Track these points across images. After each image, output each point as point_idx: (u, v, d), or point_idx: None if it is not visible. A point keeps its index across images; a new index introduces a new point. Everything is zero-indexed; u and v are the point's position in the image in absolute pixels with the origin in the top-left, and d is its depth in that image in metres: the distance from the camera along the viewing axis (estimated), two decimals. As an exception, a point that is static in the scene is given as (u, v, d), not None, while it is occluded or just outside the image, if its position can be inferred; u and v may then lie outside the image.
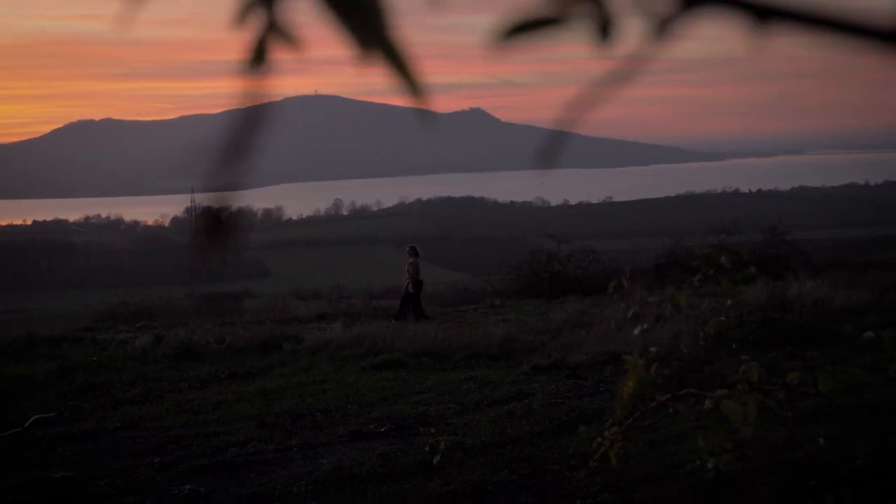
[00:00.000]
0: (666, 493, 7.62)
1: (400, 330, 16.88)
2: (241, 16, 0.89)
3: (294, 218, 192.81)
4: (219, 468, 9.34)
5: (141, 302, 28.55)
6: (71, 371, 15.12)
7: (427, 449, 9.21)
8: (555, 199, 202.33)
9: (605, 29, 0.92)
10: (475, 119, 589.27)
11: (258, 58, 0.90)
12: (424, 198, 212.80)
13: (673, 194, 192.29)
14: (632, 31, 0.93)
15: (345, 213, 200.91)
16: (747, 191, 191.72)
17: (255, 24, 0.90)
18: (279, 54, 0.91)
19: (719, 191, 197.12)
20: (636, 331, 2.21)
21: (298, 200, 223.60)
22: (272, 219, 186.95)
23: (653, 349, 2.19)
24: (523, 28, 0.91)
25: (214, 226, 0.94)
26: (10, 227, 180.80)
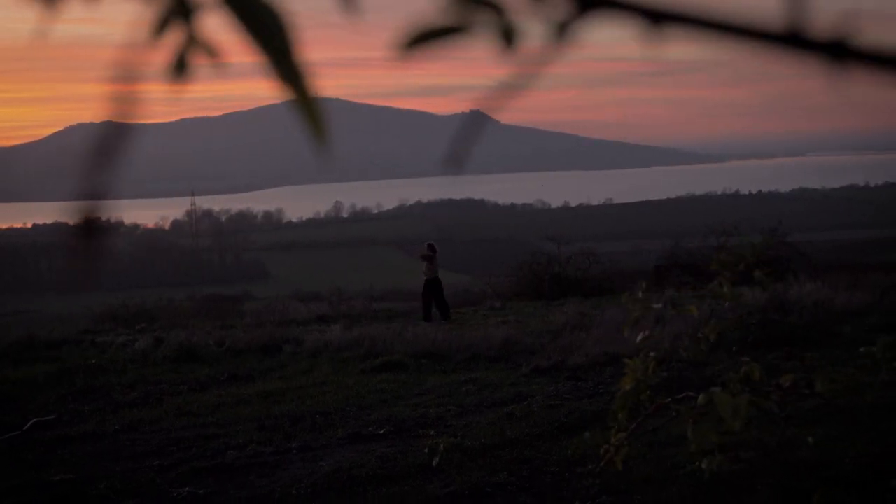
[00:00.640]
0: (665, 494, 7.61)
1: (399, 332, 16.88)
2: (159, 28, 0.92)
3: (294, 220, 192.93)
4: (218, 470, 9.34)
5: (141, 304, 28.54)
6: (71, 373, 15.12)
7: (426, 451, 9.21)
8: (555, 201, 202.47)
9: (507, 35, 0.94)
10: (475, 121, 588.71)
11: (179, 68, 0.93)
12: (425, 200, 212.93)
13: (673, 196, 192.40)
14: (534, 36, 0.94)
15: (345, 215, 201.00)
16: (747, 192, 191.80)
17: (175, 35, 0.93)
18: (200, 63, 0.94)
19: (719, 192, 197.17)
20: (638, 339, 2.21)
21: (299, 203, 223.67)
22: (272, 221, 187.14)
23: (652, 354, 2.19)
24: (427, 37, 0.92)
25: (84, 233, 0.96)
26: (11, 230, 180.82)
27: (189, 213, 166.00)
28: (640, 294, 2.18)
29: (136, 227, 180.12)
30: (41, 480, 9.20)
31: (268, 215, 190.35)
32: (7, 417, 12.29)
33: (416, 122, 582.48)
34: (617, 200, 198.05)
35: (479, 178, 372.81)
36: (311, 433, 10.75)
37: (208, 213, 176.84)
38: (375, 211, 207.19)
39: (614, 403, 2.23)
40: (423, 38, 0.92)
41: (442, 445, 9.22)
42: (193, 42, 0.93)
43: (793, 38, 0.88)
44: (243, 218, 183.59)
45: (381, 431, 10.64)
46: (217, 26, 0.93)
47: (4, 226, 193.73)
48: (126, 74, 0.92)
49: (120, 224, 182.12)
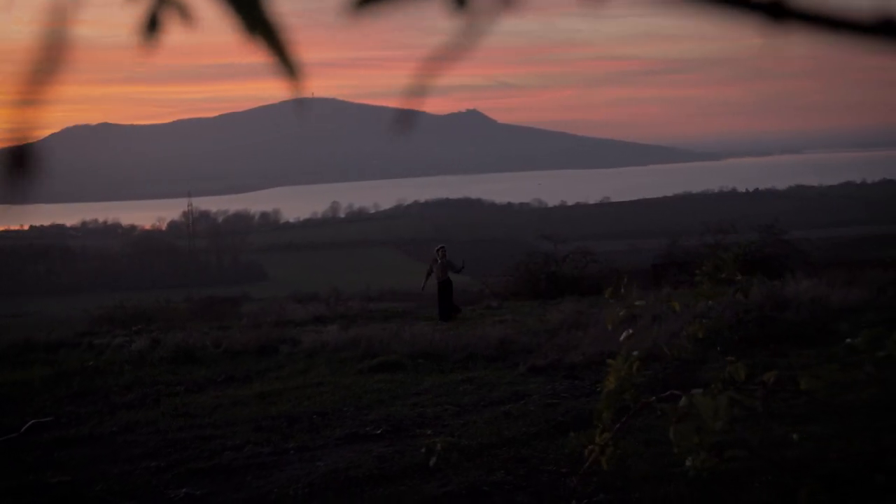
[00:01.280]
0: (662, 492, 7.62)
1: (396, 332, 16.89)
2: None
3: (291, 221, 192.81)
4: (215, 472, 9.34)
5: (138, 306, 28.51)
6: (68, 376, 15.11)
7: (423, 451, 9.20)
8: (552, 201, 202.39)
9: None
10: (472, 121, 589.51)
11: (151, 28, 0.93)
12: (422, 200, 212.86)
13: (670, 194, 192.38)
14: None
15: (342, 215, 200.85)
16: (744, 190, 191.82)
17: None
18: (172, 27, 0.95)
19: (716, 190, 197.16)
20: (621, 337, 2.21)
21: (295, 203, 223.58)
22: (269, 222, 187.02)
23: (635, 353, 2.19)
24: None
25: (15, 160, 0.98)
26: (8, 233, 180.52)
27: (186, 215, 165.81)
28: (622, 290, 2.18)
29: (132, 228, 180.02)
30: (38, 482, 9.20)
31: (265, 216, 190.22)
32: (4, 420, 12.27)
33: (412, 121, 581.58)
34: (614, 199, 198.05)
35: (476, 178, 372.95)
36: (309, 433, 10.74)
37: (205, 214, 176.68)
38: (372, 211, 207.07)
39: (599, 403, 2.23)
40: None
41: (439, 445, 9.21)
42: (167, 2, 0.94)
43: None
44: (240, 219, 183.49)
45: (379, 431, 10.64)
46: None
47: (1, 228, 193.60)
48: (145, 38, 0.93)
49: (117, 225, 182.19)
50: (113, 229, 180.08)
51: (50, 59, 0.94)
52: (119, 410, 12.71)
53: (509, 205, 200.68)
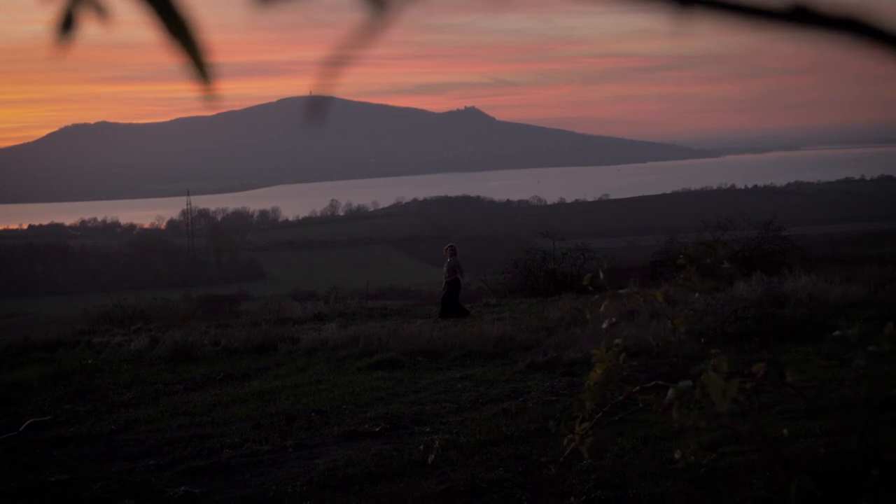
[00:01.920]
0: (660, 489, 7.63)
1: (395, 330, 16.89)
2: None
3: (290, 219, 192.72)
4: (214, 470, 9.34)
5: (136, 305, 28.47)
6: (66, 375, 15.11)
7: (422, 448, 9.22)
8: (551, 198, 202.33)
9: None
10: (470, 118, 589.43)
11: (66, 26, 0.94)
12: (421, 198, 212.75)
13: (669, 191, 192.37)
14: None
15: (341, 213, 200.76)
16: (743, 187, 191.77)
17: None
18: (89, 23, 0.96)
19: (715, 187, 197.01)
20: (604, 325, 2.21)
21: (294, 201, 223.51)
22: (268, 220, 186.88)
23: (618, 341, 2.18)
24: None
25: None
26: (7, 232, 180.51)
27: (185, 213, 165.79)
28: (601, 276, 2.18)
29: (131, 227, 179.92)
30: (37, 482, 9.20)
31: (264, 214, 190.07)
32: (2, 419, 12.28)
33: (411, 119, 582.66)
34: (612, 196, 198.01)
35: (475, 176, 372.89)
36: (307, 431, 10.75)
37: (204, 213, 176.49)
38: (371, 209, 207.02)
39: (582, 394, 2.23)
40: None
41: (437, 442, 9.23)
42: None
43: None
44: (239, 217, 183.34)
45: (377, 429, 10.64)
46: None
47: (0, 227, 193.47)
48: (60, 36, 0.93)
49: (116, 224, 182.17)
50: (112, 228, 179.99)
51: None
52: (118, 409, 12.71)
53: (508, 202, 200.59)
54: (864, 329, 2.17)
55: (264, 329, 18.31)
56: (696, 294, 2.08)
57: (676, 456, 2.14)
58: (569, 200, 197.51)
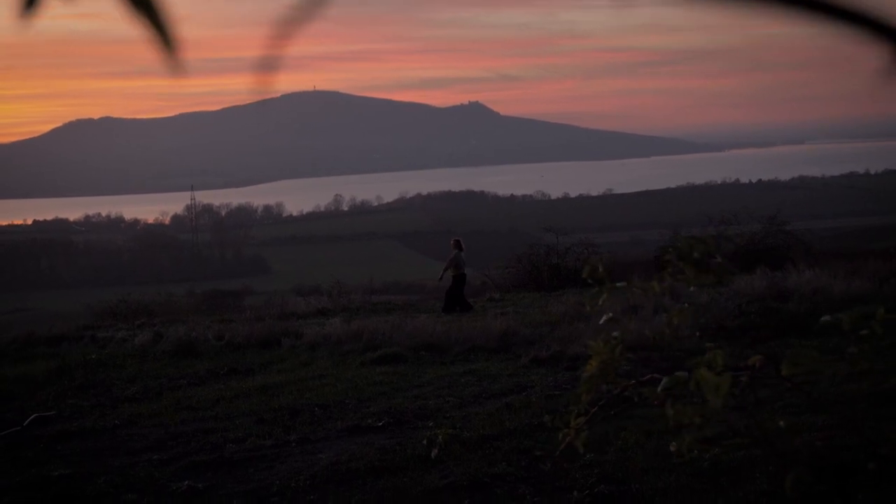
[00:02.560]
0: (663, 483, 7.62)
1: (398, 324, 16.89)
2: None
3: (294, 214, 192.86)
4: (217, 464, 9.35)
5: (140, 300, 28.54)
6: (70, 369, 15.14)
7: (425, 442, 9.22)
8: (555, 193, 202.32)
9: None
10: (474, 113, 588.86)
11: (29, 4, 0.94)
12: (425, 192, 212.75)
13: (673, 186, 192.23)
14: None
15: (345, 208, 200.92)
16: (747, 181, 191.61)
17: None
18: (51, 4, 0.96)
19: (719, 182, 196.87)
20: (601, 320, 2.21)
21: (299, 196, 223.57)
22: (272, 215, 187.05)
23: (615, 334, 2.18)
24: None
25: None
26: (11, 227, 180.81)
27: (189, 208, 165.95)
28: (600, 269, 2.17)
29: (136, 222, 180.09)
30: (41, 476, 9.21)
31: (268, 209, 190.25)
32: (7, 414, 12.31)
33: (415, 114, 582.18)
34: (617, 191, 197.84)
35: (479, 170, 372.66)
36: (311, 426, 10.76)
37: (208, 208, 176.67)
38: (375, 204, 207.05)
39: (579, 387, 2.23)
40: None
41: (441, 437, 9.23)
42: None
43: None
44: (243, 212, 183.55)
45: (380, 423, 10.65)
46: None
47: (4, 222, 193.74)
48: (24, 13, 0.94)
49: (120, 220, 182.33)
50: (116, 224, 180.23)
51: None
52: (122, 404, 12.73)
53: (512, 197, 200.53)
54: (856, 316, 2.16)
55: (268, 324, 18.33)
56: (691, 288, 2.07)
57: (672, 449, 2.14)
58: (573, 195, 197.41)
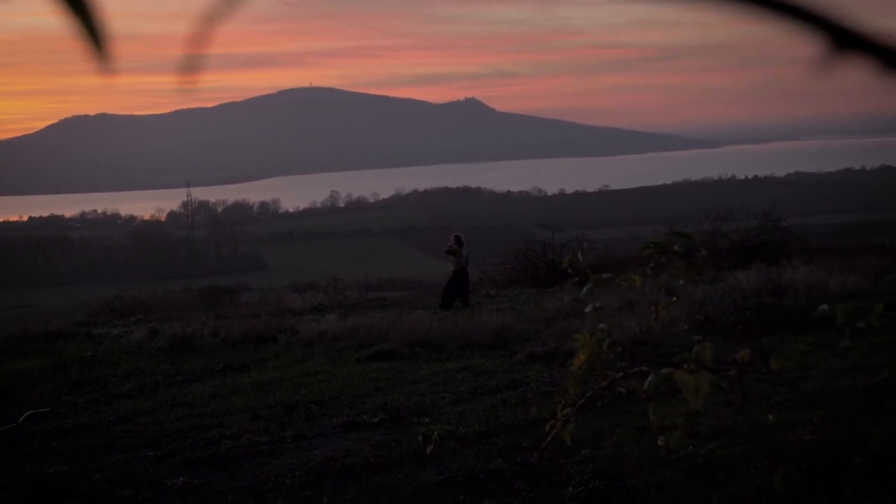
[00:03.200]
0: (658, 478, 7.63)
1: (394, 321, 16.89)
2: None
3: (291, 210, 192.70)
4: (212, 460, 9.35)
5: (136, 296, 28.51)
6: (65, 366, 15.13)
7: (420, 438, 9.21)
8: (551, 189, 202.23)
9: None
10: (470, 109, 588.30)
11: None
12: (421, 188, 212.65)
13: (669, 182, 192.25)
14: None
15: (341, 204, 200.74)
16: (743, 177, 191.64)
17: None
18: None
19: (715, 178, 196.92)
20: (587, 308, 2.20)
21: (295, 193, 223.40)
22: (269, 212, 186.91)
23: (602, 326, 2.18)
24: None
25: None
26: (7, 224, 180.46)
27: (185, 205, 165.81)
28: (580, 258, 2.17)
29: (132, 219, 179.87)
30: (36, 473, 9.21)
31: (264, 206, 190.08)
32: (2, 410, 12.29)
33: (411, 110, 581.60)
34: (613, 187, 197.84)
35: (475, 167, 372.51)
36: (306, 422, 10.76)
37: (204, 205, 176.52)
38: (371, 200, 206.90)
39: (566, 379, 2.23)
40: None
41: (436, 433, 9.23)
42: None
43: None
44: (239, 209, 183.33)
45: (376, 420, 10.65)
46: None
47: (0, 219, 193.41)
48: None
49: (116, 216, 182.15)
50: (112, 220, 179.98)
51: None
52: (117, 400, 12.73)
53: (508, 193, 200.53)
54: (849, 310, 2.16)
55: (264, 320, 18.34)
56: (681, 281, 2.07)
57: (660, 444, 2.14)
58: (569, 191, 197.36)
